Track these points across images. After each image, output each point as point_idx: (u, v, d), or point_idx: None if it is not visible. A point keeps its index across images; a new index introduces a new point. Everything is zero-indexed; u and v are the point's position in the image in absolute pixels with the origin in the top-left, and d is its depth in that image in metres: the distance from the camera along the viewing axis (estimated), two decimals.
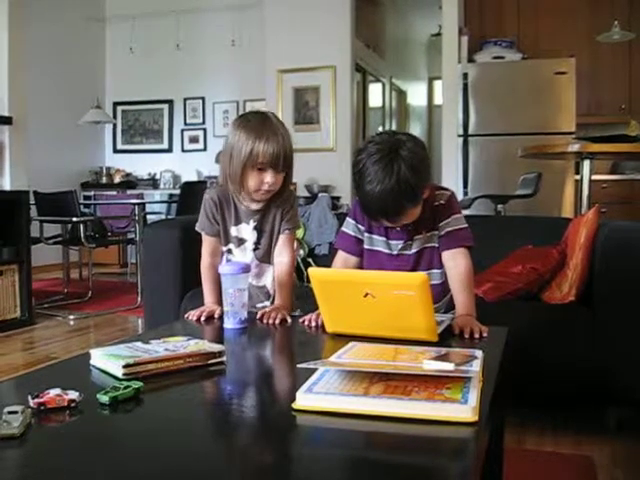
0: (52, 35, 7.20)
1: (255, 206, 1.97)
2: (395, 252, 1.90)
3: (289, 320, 1.78)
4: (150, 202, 6.42)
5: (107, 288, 5.98)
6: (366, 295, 1.48)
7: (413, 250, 1.89)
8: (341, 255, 1.98)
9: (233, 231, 2.01)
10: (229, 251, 2.03)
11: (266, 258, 2.02)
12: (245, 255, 2.01)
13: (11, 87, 4.89)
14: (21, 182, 4.90)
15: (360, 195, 1.77)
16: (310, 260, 3.47)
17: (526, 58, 5.77)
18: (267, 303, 2.01)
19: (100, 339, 4.01)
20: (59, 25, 7.33)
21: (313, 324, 1.70)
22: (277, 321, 1.75)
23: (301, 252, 3.47)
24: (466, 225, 1.86)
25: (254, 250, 2.00)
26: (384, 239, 1.91)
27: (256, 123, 1.88)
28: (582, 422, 2.47)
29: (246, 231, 2.00)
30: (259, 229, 2.00)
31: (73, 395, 1.06)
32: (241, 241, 2.01)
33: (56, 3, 7.24)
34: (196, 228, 2.05)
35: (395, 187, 1.67)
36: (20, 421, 0.95)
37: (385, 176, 1.67)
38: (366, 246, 1.94)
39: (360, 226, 1.94)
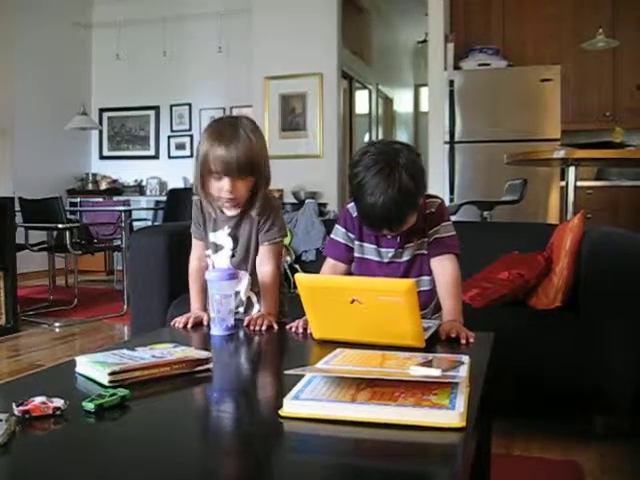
0: (38, 41, 7.16)
1: (229, 213, 1.95)
2: (386, 260, 1.90)
3: (276, 327, 1.77)
4: (136, 209, 6.39)
5: (93, 295, 5.94)
6: (353, 301, 1.48)
7: (404, 258, 1.89)
8: (330, 262, 1.97)
9: (211, 237, 1.99)
10: (207, 257, 2.01)
11: (242, 265, 1.97)
12: (223, 262, 1.97)
13: None
14: (6, 188, 4.87)
15: (361, 207, 1.76)
16: (297, 266, 3.46)
17: (511, 65, 5.81)
18: (240, 310, 1.98)
19: (86, 347, 3.97)
20: (45, 32, 7.29)
21: (300, 330, 1.70)
22: (264, 328, 1.75)
23: (288, 258, 3.47)
24: (454, 233, 1.88)
25: (231, 257, 1.98)
26: (375, 247, 1.91)
27: (217, 128, 1.84)
28: (569, 428, 2.48)
29: (222, 237, 1.97)
30: (233, 236, 1.97)
31: (58, 403, 1.05)
32: (218, 247, 1.98)
33: (42, 10, 7.21)
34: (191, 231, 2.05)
35: (397, 196, 1.67)
36: (4, 429, 0.94)
37: (387, 187, 1.67)
38: (356, 254, 1.94)
39: (350, 234, 1.94)
